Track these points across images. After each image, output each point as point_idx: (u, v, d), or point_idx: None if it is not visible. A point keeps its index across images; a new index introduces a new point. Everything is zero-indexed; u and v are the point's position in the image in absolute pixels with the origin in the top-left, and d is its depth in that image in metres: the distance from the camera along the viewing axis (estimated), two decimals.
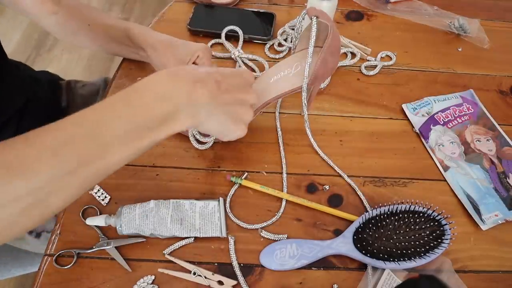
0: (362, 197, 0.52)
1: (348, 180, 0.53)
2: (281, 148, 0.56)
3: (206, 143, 0.53)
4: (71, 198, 0.34)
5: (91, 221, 0.47)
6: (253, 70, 0.64)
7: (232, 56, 0.65)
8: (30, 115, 0.60)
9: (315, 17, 0.45)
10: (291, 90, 0.51)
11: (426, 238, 0.44)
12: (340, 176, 0.54)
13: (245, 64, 0.65)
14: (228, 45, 0.66)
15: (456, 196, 0.53)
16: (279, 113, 0.60)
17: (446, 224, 0.45)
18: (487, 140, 0.58)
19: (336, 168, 0.54)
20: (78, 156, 0.32)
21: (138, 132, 0.34)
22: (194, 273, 0.45)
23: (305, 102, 0.51)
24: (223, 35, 0.66)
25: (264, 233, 0.48)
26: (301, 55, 0.52)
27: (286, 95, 0.51)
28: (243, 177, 0.52)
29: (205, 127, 0.39)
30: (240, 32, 0.66)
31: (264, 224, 0.49)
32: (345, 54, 0.68)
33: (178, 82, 0.36)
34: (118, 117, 0.34)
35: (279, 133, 0.57)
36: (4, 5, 0.56)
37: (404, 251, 0.44)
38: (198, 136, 0.53)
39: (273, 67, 0.53)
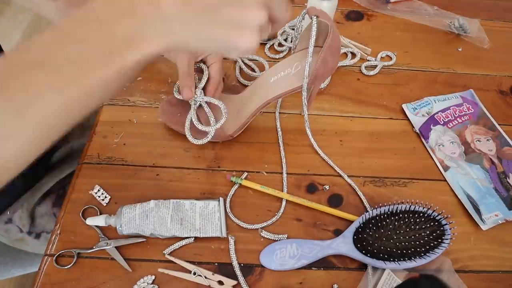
0: (362, 197, 0.52)
1: (348, 180, 0.53)
2: (281, 148, 0.56)
3: (202, 139, 0.51)
4: (27, 146, 0.27)
5: (91, 221, 0.47)
6: (253, 70, 0.64)
7: None
8: None
9: (315, 17, 0.45)
10: (291, 89, 0.51)
11: (426, 238, 0.44)
12: (340, 176, 0.54)
13: (245, 64, 0.65)
14: None
15: (456, 196, 0.53)
16: (279, 113, 0.60)
17: (446, 224, 0.45)
18: (487, 140, 0.58)
19: (336, 168, 0.54)
20: (26, 91, 0.26)
21: (98, 57, 0.27)
22: (194, 273, 0.45)
23: (305, 102, 0.51)
24: None
25: (264, 233, 0.48)
26: (301, 55, 0.52)
27: (286, 94, 0.51)
28: (243, 177, 0.52)
29: (194, 46, 0.30)
30: None
31: (264, 224, 0.49)
32: (345, 54, 0.68)
33: None
34: (71, 39, 0.27)
35: (279, 133, 0.57)
36: None
37: (404, 251, 0.44)
38: (198, 124, 0.50)
39: (273, 67, 0.53)
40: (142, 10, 0.27)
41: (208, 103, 0.51)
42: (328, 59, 0.48)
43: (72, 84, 0.27)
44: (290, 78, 0.52)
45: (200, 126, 0.50)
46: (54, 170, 0.64)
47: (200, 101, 0.51)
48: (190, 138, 0.51)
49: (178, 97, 0.53)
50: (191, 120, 0.51)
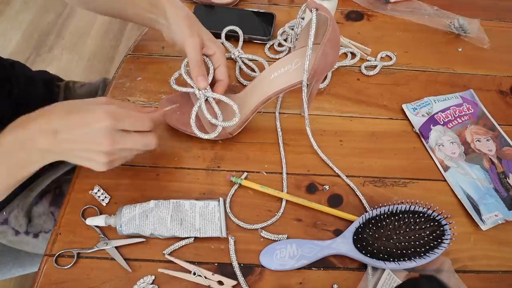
0: (361, 197, 0.52)
1: (347, 180, 0.53)
2: (281, 148, 0.56)
3: (210, 133, 0.51)
4: None
5: (91, 221, 0.47)
6: (253, 70, 0.64)
7: (232, 56, 0.65)
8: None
9: (315, 9, 0.45)
10: (291, 85, 0.51)
11: (426, 238, 0.44)
12: (339, 176, 0.54)
13: (245, 64, 0.65)
14: (228, 45, 0.66)
15: (456, 196, 0.53)
16: (279, 113, 0.60)
17: (446, 224, 0.45)
18: (487, 140, 0.58)
19: (335, 168, 0.54)
20: None
21: (11, 173, 0.43)
22: (194, 273, 0.45)
23: (305, 99, 0.50)
24: (223, 35, 0.66)
25: (264, 233, 0.48)
26: (301, 52, 0.52)
27: (286, 90, 0.51)
28: (243, 177, 0.52)
29: (73, 163, 0.45)
30: (240, 32, 0.66)
31: (264, 224, 0.49)
32: (345, 54, 0.68)
33: (26, 133, 0.41)
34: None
35: (279, 133, 0.57)
36: None
37: (404, 251, 0.44)
38: (209, 117, 0.50)
39: (273, 64, 0.53)
40: (28, 147, 0.41)
41: (215, 100, 0.51)
42: (328, 52, 0.48)
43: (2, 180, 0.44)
44: (290, 74, 0.52)
45: (212, 120, 0.49)
46: (49, 169, 0.64)
47: (209, 97, 0.51)
48: (196, 131, 0.50)
49: (176, 88, 0.52)
50: (196, 114, 0.51)
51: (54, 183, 0.64)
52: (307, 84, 0.49)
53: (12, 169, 0.43)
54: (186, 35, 0.50)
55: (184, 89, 0.52)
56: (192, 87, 0.51)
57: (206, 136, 0.51)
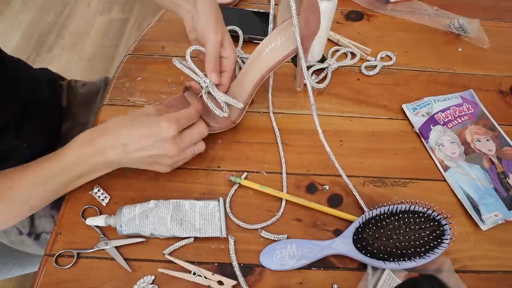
0: (358, 198, 0.51)
1: (347, 180, 0.53)
2: (280, 148, 0.56)
3: (218, 115, 0.50)
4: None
5: (91, 221, 0.47)
6: None
7: None
8: (29, 116, 0.60)
9: None
10: (282, 58, 0.52)
11: (426, 238, 0.44)
12: (339, 176, 0.54)
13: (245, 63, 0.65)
14: None
15: (456, 196, 0.53)
16: (273, 113, 0.60)
17: (446, 224, 0.45)
18: (487, 140, 0.58)
19: (337, 166, 0.54)
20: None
21: (68, 183, 0.47)
22: (194, 273, 0.45)
23: (304, 65, 0.51)
24: None
25: (264, 233, 0.48)
26: (282, 26, 0.53)
27: (279, 64, 0.52)
28: (242, 177, 0.52)
29: (140, 168, 0.48)
30: (240, 32, 0.66)
31: (264, 224, 0.49)
32: (345, 54, 0.68)
33: (94, 147, 0.45)
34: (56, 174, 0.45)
35: (277, 133, 0.57)
36: None
37: (404, 251, 0.44)
38: (214, 109, 0.50)
39: (258, 46, 0.54)
40: (97, 158, 0.45)
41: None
42: (310, 18, 0.49)
43: (53, 197, 0.48)
44: (277, 50, 0.53)
45: (217, 112, 0.49)
46: None
47: (211, 91, 0.50)
48: (214, 110, 0.50)
49: (181, 68, 0.51)
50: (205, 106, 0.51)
51: None
52: (296, 55, 0.51)
53: (72, 180, 0.47)
54: (211, 30, 0.50)
55: (190, 73, 0.51)
56: (197, 75, 0.51)
57: (221, 114, 0.50)
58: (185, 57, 0.51)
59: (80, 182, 0.48)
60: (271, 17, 0.54)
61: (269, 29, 0.55)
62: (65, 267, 0.45)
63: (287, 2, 0.47)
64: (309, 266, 0.46)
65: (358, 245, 0.46)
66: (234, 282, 0.44)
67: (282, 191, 0.52)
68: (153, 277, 0.44)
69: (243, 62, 0.65)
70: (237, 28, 0.66)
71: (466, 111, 0.61)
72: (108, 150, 0.45)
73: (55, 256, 0.45)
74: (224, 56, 0.52)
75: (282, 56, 0.52)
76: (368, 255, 0.45)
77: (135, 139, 0.45)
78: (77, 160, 0.45)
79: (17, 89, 0.58)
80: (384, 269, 0.45)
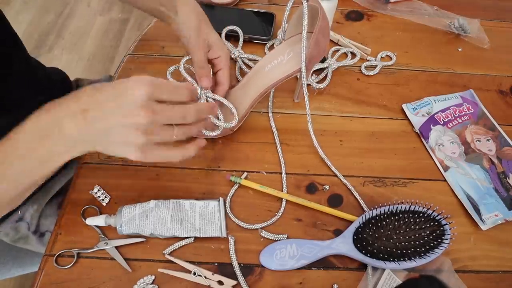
0: (358, 198, 0.51)
1: (344, 181, 0.53)
2: (278, 147, 0.56)
3: (212, 132, 0.50)
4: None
5: (91, 221, 0.47)
6: None
7: (232, 56, 0.65)
8: None
9: (305, 1, 0.48)
10: (287, 75, 0.53)
11: (426, 238, 0.44)
12: (337, 176, 0.54)
13: (245, 64, 0.65)
14: (228, 45, 0.66)
15: (456, 196, 0.53)
16: (272, 113, 0.60)
17: (446, 224, 0.45)
18: (487, 140, 0.58)
19: (332, 168, 0.54)
20: None
21: (32, 167, 0.39)
22: (194, 273, 0.45)
23: (305, 84, 0.52)
24: (223, 35, 0.66)
25: (264, 233, 0.48)
26: (291, 42, 0.54)
27: (283, 80, 0.53)
28: (242, 177, 0.52)
29: (106, 152, 0.39)
30: (240, 32, 0.66)
31: (264, 224, 0.49)
32: (345, 54, 0.68)
33: (51, 118, 0.37)
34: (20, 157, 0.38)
35: (275, 133, 0.57)
36: None
37: (404, 251, 0.44)
38: (212, 118, 0.50)
39: (265, 56, 0.55)
40: (53, 135, 0.37)
41: (216, 102, 0.51)
42: (320, 40, 0.51)
43: (20, 181, 0.40)
44: (284, 65, 0.53)
45: (214, 120, 0.50)
46: (64, 169, 0.64)
47: (209, 97, 0.51)
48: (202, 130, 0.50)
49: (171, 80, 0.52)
50: None
51: (67, 185, 0.64)
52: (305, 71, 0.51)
53: (32, 165, 0.38)
54: (193, 35, 0.50)
55: (193, 81, 0.51)
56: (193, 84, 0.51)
57: (211, 133, 0.50)
58: (188, 60, 0.51)
59: (41, 173, 0.39)
60: (282, 29, 0.54)
61: (282, 39, 0.55)
62: (65, 267, 0.45)
63: (297, 20, 0.48)
64: (309, 266, 0.46)
65: (358, 245, 0.46)
66: (234, 282, 0.44)
67: (282, 191, 0.52)
68: (153, 277, 0.44)
69: (243, 62, 0.65)
70: (237, 28, 0.66)
71: (466, 111, 0.61)
72: (65, 120, 0.36)
73: (55, 256, 0.45)
74: (215, 57, 0.52)
75: (291, 71, 0.53)
76: (368, 255, 0.45)
77: (98, 101, 0.36)
78: (30, 135, 0.38)
79: (35, 89, 0.58)
80: (384, 269, 0.45)
